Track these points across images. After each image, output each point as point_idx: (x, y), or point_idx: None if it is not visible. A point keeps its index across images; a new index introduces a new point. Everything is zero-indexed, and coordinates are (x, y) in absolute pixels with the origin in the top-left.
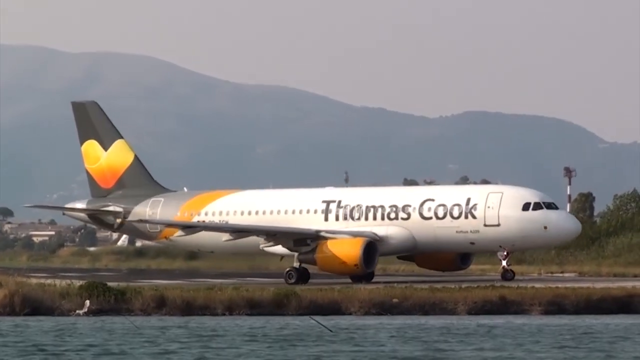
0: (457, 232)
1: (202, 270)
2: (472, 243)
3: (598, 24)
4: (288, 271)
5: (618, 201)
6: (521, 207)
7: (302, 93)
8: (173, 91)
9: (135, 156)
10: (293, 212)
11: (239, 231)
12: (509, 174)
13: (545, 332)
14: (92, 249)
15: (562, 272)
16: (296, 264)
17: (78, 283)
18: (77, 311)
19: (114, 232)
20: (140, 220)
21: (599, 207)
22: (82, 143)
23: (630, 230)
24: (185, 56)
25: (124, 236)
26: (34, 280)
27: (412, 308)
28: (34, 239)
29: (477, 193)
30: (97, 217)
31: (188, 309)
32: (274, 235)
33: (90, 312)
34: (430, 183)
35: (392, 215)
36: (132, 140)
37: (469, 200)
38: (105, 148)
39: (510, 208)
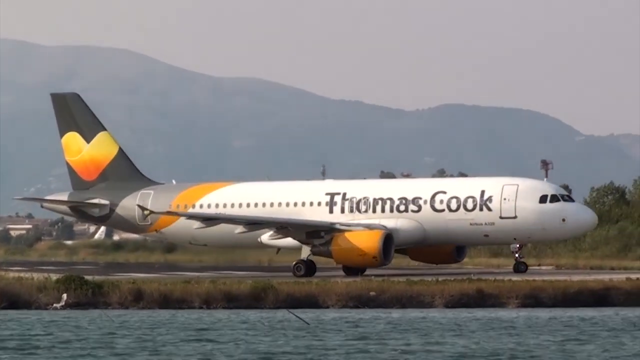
0: (470, 224)
1: (180, 264)
2: (486, 235)
3: (574, 17)
4: (296, 264)
5: (595, 194)
6: (538, 199)
7: (279, 86)
8: (150, 84)
9: (120, 148)
10: (295, 204)
11: (255, 223)
12: (486, 167)
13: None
14: (69, 242)
15: (539, 265)
16: (304, 257)
17: (55, 277)
18: (55, 305)
19: (143, 222)
20: (169, 212)
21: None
22: (62, 135)
23: (607, 223)
24: (162, 49)
25: (102, 229)
26: (11, 274)
27: (389, 301)
28: (11, 232)
29: (491, 185)
30: (80, 210)
31: (165, 302)
32: (284, 227)
33: (68, 306)
34: (407, 176)
35: (402, 208)
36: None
37: (483, 192)
38: (88, 140)
39: (527, 200)
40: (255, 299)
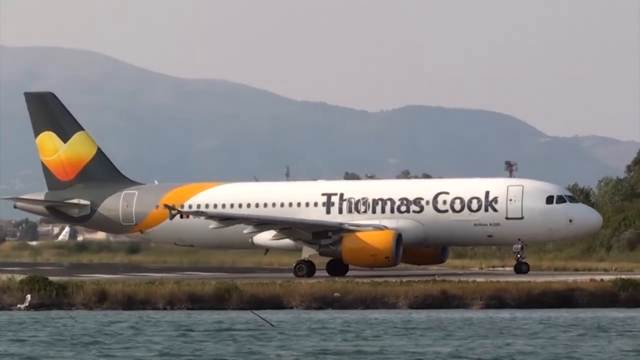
0: (475, 225)
1: (144, 265)
2: (490, 236)
3: (539, 20)
4: (298, 264)
5: None
6: (545, 200)
7: (243, 87)
8: (114, 85)
9: (99, 148)
10: (290, 204)
11: (266, 223)
12: (450, 168)
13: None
14: (33, 243)
15: (503, 267)
16: (305, 257)
17: (19, 277)
18: (19, 305)
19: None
20: (197, 212)
21: None
22: (37, 135)
23: None
24: (126, 50)
25: (65, 230)
26: None
27: (353, 302)
28: None
29: (495, 186)
30: (57, 210)
31: (129, 303)
32: (288, 228)
33: (32, 307)
34: (372, 177)
35: (403, 209)
36: None
37: (487, 193)
38: (65, 140)
39: (533, 201)
40: (219, 300)
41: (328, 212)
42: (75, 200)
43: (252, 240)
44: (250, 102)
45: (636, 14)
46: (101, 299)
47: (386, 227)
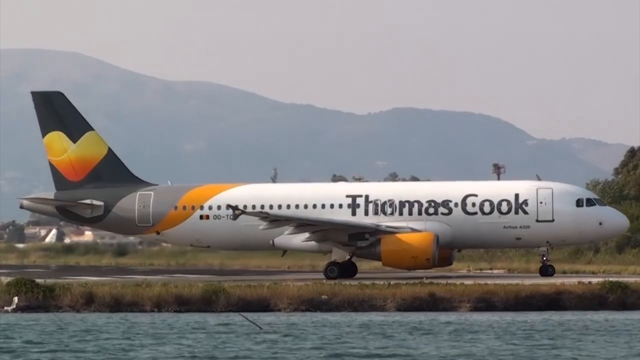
0: (504, 227)
1: (131, 267)
2: (518, 239)
3: (524, 22)
4: (329, 266)
5: None
6: (574, 203)
7: (230, 90)
8: (101, 88)
9: (110, 149)
10: (314, 206)
11: (310, 225)
12: (438, 170)
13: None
14: (20, 245)
15: (491, 269)
16: (336, 259)
17: (6, 280)
18: (6, 308)
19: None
20: (261, 213)
21: None
22: (44, 134)
23: None
24: (112, 53)
25: (53, 232)
26: None
27: (341, 305)
28: None
29: (524, 189)
30: (67, 210)
31: (117, 305)
32: (325, 229)
33: (19, 309)
34: (359, 180)
35: (431, 211)
36: None
37: (517, 195)
38: (74, 140)
39: (563, 204)
40: (206, 303)
41: (354, 213)
42: (88, 201)
43: (273, 242)
44: (237, 104)
45: (623, 17)
46: (88, 301)
47: (414, 229)
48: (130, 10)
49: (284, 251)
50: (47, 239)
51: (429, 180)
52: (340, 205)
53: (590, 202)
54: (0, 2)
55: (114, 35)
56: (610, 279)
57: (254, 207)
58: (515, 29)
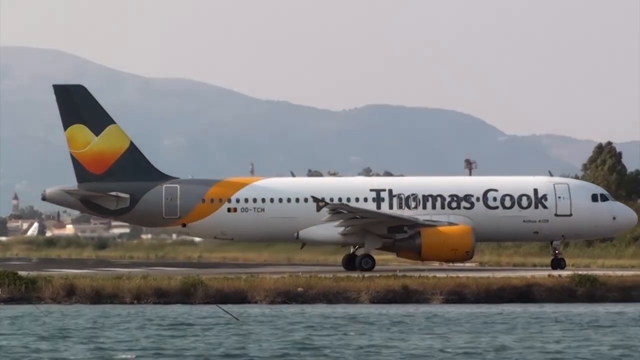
0: (524, 221)
1: (111, 260)
2: (536, 232)
3: (495, 20)
4: (363, 258)
5: None
6: (590, 198)
7: (208, 86)
8: (82, 84)
9: (131, 142)
10: (340, 200)
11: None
12: (411, 166)
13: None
14: (3, 238)
15: (463, 263)
16: (368, 251)
17: None
18: None
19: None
20: (341, 205)
21: None
22: (66, 127)
23: None
24: (93, 50)
25: (34, 226)
26: None
27: (316, 297)
28: None
29: (542, 184)
30: (91, 202)
31: (97, 297)
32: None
33: (1, 301)
34: (334, 174)
35: (454, 205)
36: (43, 133)
37: (536, 191)
38: (96, 133)
39: (580, 199)
40: (185, 295)
41: (378, 207)
42: (113, 193)
43: (297, 234)
44: (215, 100)
45: (593, 16)
46: (69, 293)
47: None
48: (110, 8)
49: (303, 244)
50: (29, 232)
51: (402, 175)
52: (365, 199)
53: (604, 198)
54: None
55: (94, 33)
56: (580, 272)
57: (280, 200)
58: (486, 28)
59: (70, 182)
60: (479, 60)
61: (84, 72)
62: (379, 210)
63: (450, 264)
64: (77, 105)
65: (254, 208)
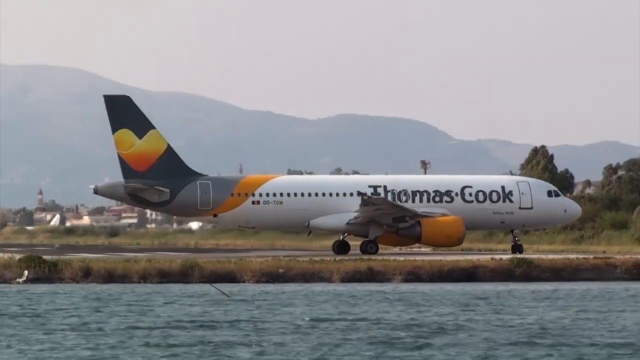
0: (493, 213)
1: (121, 246)
2: (502, 222)
3: (445, 39)
4: (368, 243)
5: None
6: (546, 193)
7: (203, 99)
8: (95, 97)
9: (168, 145)
10: (344, 194)
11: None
12: (375, 166)
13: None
14: (30, 228)
15: (419, 247)
16: (371, 238)
17: (18, 256)
18: (17, 279)
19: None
20: (385, 199)
21: None
22: (114, 131)
23: None
24: (104, 67)
25: (56, 217)
26: None
27: (295, 277)
28: None
29: (508, 182)
30: (137, 196)
31: (110, 277)
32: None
33: (28, 281)
34: (310, 173)
35: (437, 199)
36: (63, 138)
37: (503, 187)
38: (140, 136)
39: (538, 194)
40: (184, 275)
41: None
42: (157, 187)
43: (308, 223)
44: (209, 110)
45: (527, 30)
46: (86, 274)
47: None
48: (119, 32)
49: (310, 232)
50: (52, 223)
51: (367, 174)
52: (365, 194)
53: (557, 194)
54: (9, 22)
55: (105, 53)
56: (518, 256)
57: (295, 194)
58: (437, 44)
59: (86, 179)
60: (433, 74)
61: (97, 86)
62: (399, 204)
63: (409, 248)
64: (122, 112)
65: (274, 201)
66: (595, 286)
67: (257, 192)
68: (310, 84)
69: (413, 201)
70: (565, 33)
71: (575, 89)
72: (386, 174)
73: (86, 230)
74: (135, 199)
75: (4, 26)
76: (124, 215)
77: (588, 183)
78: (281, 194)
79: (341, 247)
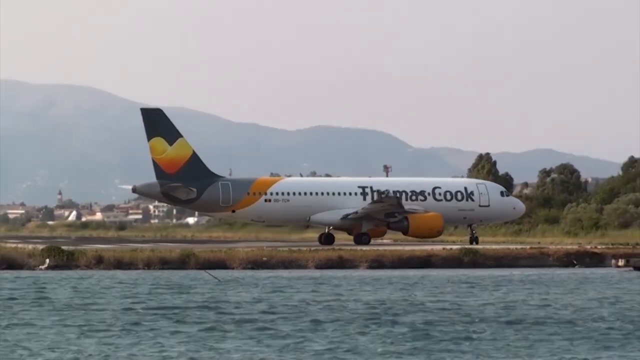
0: (458, 210)
1: (128, 238)
2: (465, 218)
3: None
4: (362, 235)
5: None
6: (499, 194)
7: (197, 112)
8: (107, 111)
9: (194, 151)
10: (339, 194)
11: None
12: (345, 170)
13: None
14: (51, 222)
15: (382, 239)
16: (364, 230)
17: (41, 247)
18: (40, 267)
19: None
20: (391, 197)
21: None
22: (149, 139)
23: None
24: (114, 86)
25: (73, 213)
26: (8, 245)
27: (276, 264)
28: (9, 215)
29: (469, 184)
30: (169, 194)
31: (118, 264)
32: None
33: (50, 267)
34: (289, 177)
35: (414, 198)
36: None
37: (466, 188)
38: (170, 143)
39: (494, 195)
40: (182, 263)
41: (364, 199)
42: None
43: (309, 218)
44: (202, 122)
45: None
46: (98, 262)
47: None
48: (126, 54)
49: (307, 225)
50: (69, 218)
51: (339, 177)
52: (356, 193)
53: (507, 194)
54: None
55: (114, 74)
56: (466, 246)
57: (300, 193)
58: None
59: (98, 181)
60: (392, 88)
61: (109, 102)
62: (401, 203)
63: (379, 239)
64: (156, 123)
65: (282, 199)
66: (532, 272)
67: (268, 191)
68: (290, 99)
69: None
70: (502, 50)
71: (513, 102)
72: (369, 177)
73: (98, 225)
74: (167, 197)
75: (30, 51)
76: (130, 212)
77: (525, 185)
78: (288, 193)
79: (327, 239)
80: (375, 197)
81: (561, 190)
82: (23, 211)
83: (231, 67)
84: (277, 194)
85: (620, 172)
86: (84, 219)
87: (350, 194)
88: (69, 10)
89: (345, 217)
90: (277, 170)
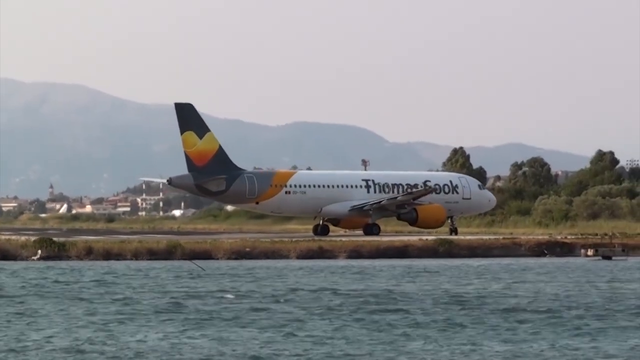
0: (445, 202)
1: (117, 229)
2: (449, 210)
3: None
4: (372, 226)
5: None
6: (478, 187)
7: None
8: (98, 109)
9: (220, 145)
10: (346, 186)
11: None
12: (324, 164)
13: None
14: (43, 215)
15: (345, 231)
16: (373, 221)
17: (33, 238)
18: (32, 257)
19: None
20: (426, 190)
21: None
22: (182, 132)
23: None
24: (105, 84)
25: (64, 206)
26: (2, 237)
27: (259, 255)
28: (3, 208)
29: (454, 178)
30: (201, 186)
31: (107, 255)
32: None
33: (42, 258)
34: (272, 169)
35: (409, 190)
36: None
37: (451, 182)
38: (200, 137)
39: (474, 188)
40: (169, 253)
41: (368, 192)
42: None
43: (321, 210)
44: None
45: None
46: (88, 253)
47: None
48: (116, 53)
49: (315, 216)
50: (61, 211)
51: (319, 170)
52: (360, 186)
53: (482, 187)
54: (25, 47)
55: (105, 71)
56: (441, 237)
57: (314, 186)
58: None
59: (88, 176)
60: (369, 85)
61: (99, 100)
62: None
63: (355, 231)
64: (187, 117)
65: (300, 192)
66: (505, 261)
67: (288, 184)
68: (273, 94)
69: (393, 191)
70: (476, 47)
71: (485, 97)
72: (365, 170)
73: (88, 217)
74: (199, 188)
75: (23, 49)
76: (119, 204)
77: (498, 177)
78: (305, 186)
79: (322, 230)
80: (421, 188)
81: (532, 182)
82: (16, 204)
83: (228, 66)
84: (296, 186)
85: (589, 166)
86: (74, 212)
87: (356, 186)
88: (61, 11)
89: (357, 208)
90: (259, 164)
